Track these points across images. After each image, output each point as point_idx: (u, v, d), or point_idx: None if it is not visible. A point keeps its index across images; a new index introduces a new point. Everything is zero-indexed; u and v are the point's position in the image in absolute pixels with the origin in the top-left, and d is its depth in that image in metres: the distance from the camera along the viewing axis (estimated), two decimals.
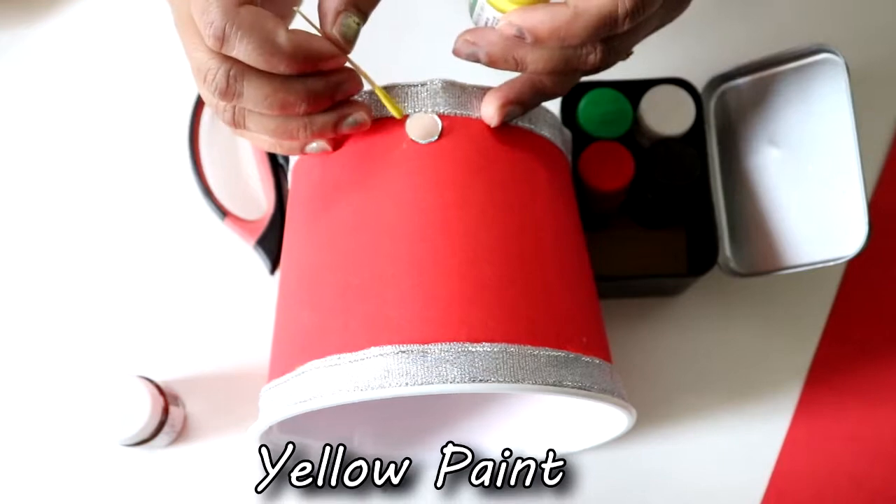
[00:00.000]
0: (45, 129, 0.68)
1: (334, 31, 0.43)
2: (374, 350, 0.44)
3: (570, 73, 0.46)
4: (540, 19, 0.42)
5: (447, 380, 0.42)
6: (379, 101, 0.47)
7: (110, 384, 0.58)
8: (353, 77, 0.45)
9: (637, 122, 0.58)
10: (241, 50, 0.40)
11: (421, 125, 0.48)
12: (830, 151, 0.55)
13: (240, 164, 0.66)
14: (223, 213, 0.64)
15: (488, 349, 0.43)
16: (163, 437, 0.60)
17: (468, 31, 0.46)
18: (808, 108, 0.56)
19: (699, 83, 0.59)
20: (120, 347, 0.64)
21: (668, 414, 0.63)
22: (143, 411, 0.57)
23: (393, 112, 0.47)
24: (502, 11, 0.45)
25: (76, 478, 0.62)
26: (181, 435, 0.63)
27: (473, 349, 0.43)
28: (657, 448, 0.63)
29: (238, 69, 0.41)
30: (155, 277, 0.65)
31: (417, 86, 0.48)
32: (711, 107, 0.60)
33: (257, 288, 0.64)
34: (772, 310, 0.64)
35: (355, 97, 0.47)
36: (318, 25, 0.43)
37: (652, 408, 0.63)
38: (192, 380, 0.63)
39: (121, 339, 0.64)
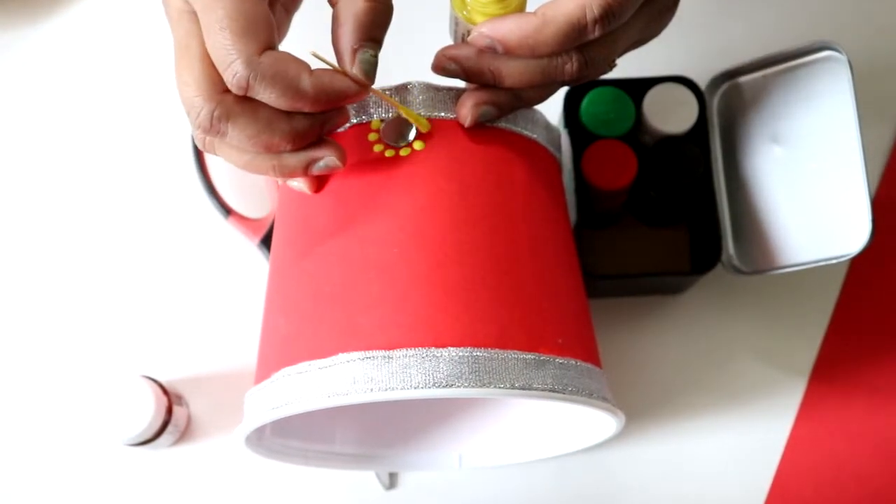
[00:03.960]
0: (47, 129, 0.68)
1: (355, 70, 0.42)
2: (342, 357, 0.44)
3: (549, 85, 0.46)
4: (509, 28, 0.43)
5: (411, 385, 0.42)
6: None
7: (114, 384, 0.58)
8: (340, 112, 0.44)
9: (640, 120, 0.58)
10: (265, 97, 0.41)
11: (395, 128, 0.48)
12: (833, 149, 0.55)
13: None
14: (227, 211, 0.64)
15: (454, 353, 0.43)
16: (166, 437, 0.60)
17: (445, 48, 0.46)
18: (812, 105, 0.56)
19: (702, 81, 0.59)
20: (124, 347, 0.64)
21: (670, 413, 0.63)
22: (147, 411, 0.57)
23: (420, 127, 0.47)
24: (474, 24, 0.45)
25: (80, 477, 0.62)
26: (185, 434, 0.63)
27: (438, 354, 0.43)
28: (659, 448, 0.63)
29: (222, 111, 0.41)
30: (159, 276, 0.65)
31: (393, 88, 0.48)
32: (714, 105, 0.60)
33: (261, 287, 0.64)
34: (775, 308, 0.64)
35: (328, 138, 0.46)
36: (334, 64, 0.43)
37: (654, 406, 0.63)
38: (195, 379, 0.63)
39: (124, 338, 0.64)
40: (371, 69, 0.43)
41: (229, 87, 0.40)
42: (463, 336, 0.44)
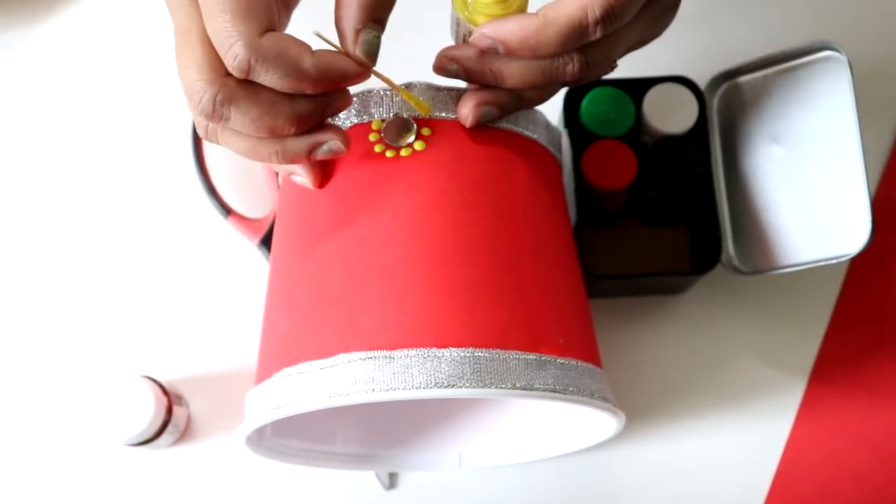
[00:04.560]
0: (47, 129, 0.68)
1: (357, 51, 0.42)
2: (343, 357, 0.44)
3: (550, 85, 0.46)
4: (510, 29, 0.43)
5: (412, 385, 0.42)
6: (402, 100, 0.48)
7: (114, 384, 0.58)
8: (343, 94, 0.44)
9: (640, 120, 0.58)
10: (267, 80, 0.40)
11: (396, 128, 0.48)
12: (833, 149, 0.55)
13: (244, 161, 0.66)
14: (227, 211, 0.64)
15: (455, 354, 0.43)
16: (166, 437, 0.60)
17: (447, 48, 0.46)
18: (811, 105, 0.56)
19: (702, 81, 0.59)
20: (123, 347, 0.64)
21: (670, 413, 0.63)
22: (147, 411, 0.57)
23: (420, 111, 0.47)
24: (475, 25, 0.45)
25: (80, 477, 0.62)
26: (185, 434, 0.63)
27: (440, 354, 0.43)
28: (659, 448, 0.63)
29: (225, 94, 0.41)
30: (158, 276, 0.65)
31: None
32: (714, 105, 0.60)
33: (261, 287, 0.64)
34: (775, 308, 0.64)
35: (332, 121, 0.46)
36: (337, 44, 0.43)
37: (654, 407, 0.63)
38: (195, 379, 0.63)
39: (124, 338, 0.64)
40: (374, 50, 0.43)
41: (230, 69, 0.40)
42: (464, 336, 0.44)
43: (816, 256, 0.55)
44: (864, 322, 0.64)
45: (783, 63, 0.57)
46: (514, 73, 0.45)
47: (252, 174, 0.66)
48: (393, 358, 0.43)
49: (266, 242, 0.64)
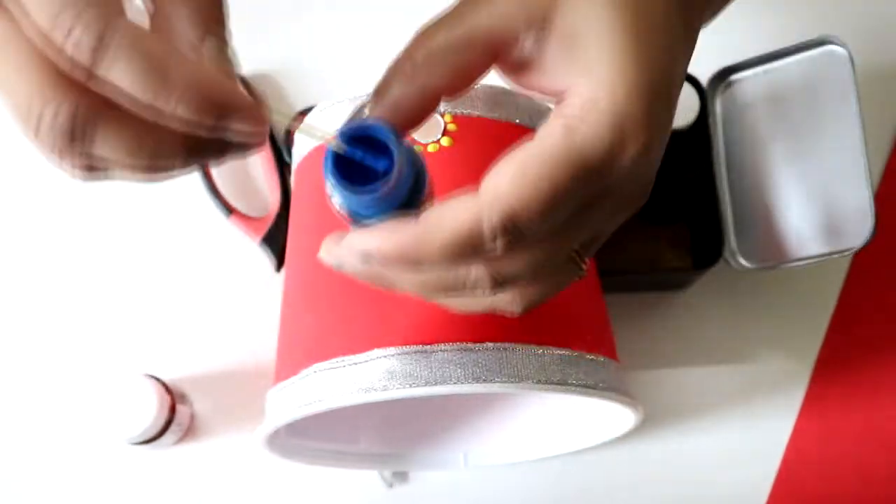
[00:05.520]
0: None
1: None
2: (377, 352, 0.43)
3: (460, 295, 0.35)
4: (381, 240, 0.33)
5: (451, 380, 0.42)
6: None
7: (117, 383, 0.58)
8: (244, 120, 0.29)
9: None
10: (119, 71, 0.27)
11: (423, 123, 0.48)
12: (836, 144, 0.55)
13: (245, 161, 0.66)
14: (228, 210, 0.64)
15: (491, 348, 0.43)
16: (170, 436, 0.60)
17: (331, 237, 0.35)
18: (814, 100, 0.56)
19: (704, 77, 0.59)
20: (127, 346, 0.64)
21: (674, 409, 0.63)
22: (150, 409, 0.57)
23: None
24: None
25: (83, 476, 0.62)
26: (188, 433, 0.63)
27: (476, 348, 0.43)
28: (663, 444, 0.63)
29: (84, 109, 0.28)
30: (161, 275, 0.65)
31: None
32: (716, 100, 0.60)
33: (263, 285, 0.64)
34: (777, 303, 0.64)
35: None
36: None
37: (658, 403, 0.63)
38: (199, 378, 0.63)
39: (128, 337, 0.64)
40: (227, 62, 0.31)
41: (67, 50, 0.27)
42: (498, 331, 0.43)
43: (819, 251, 0.55)
44: (867, 317, 0.64)
45: (786, 58, 0.57)
46: (405, 284, 0.35)
47: (253, 174, 0.66)
48: (429, 353, 0.43)
49: (267, 241, 0.64)
